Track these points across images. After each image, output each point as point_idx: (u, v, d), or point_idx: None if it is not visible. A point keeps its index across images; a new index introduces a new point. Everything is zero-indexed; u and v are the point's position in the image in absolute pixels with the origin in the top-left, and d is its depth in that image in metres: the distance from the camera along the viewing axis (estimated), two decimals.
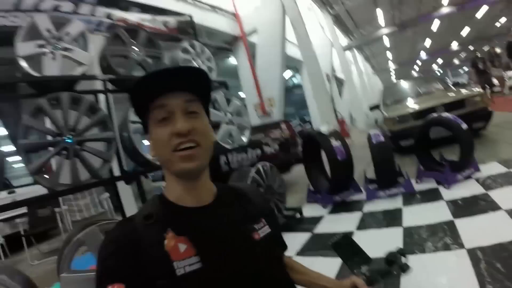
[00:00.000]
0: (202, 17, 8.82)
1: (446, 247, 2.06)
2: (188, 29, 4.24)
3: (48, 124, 2.27)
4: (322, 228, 3.15)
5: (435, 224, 2.45)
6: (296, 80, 23.33)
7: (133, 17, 3.77)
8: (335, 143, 3.76)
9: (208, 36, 9.06)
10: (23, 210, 5.42)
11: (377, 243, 2.39)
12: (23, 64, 2.35)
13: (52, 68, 2.42)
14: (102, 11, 3.56)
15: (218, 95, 3.35)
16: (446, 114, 3.68)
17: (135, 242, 0.78)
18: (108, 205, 5.34)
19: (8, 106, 2.32)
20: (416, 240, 2.27)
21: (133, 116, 2.62)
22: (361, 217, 3.09)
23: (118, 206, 2.77)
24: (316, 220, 3.38)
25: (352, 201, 3.79)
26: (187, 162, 0.82)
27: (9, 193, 5.95)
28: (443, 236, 2.21)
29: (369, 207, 3.33)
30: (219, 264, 0.78)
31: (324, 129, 4.00)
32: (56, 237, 6.13)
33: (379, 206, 3.25)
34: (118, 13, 3.65)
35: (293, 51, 13.09)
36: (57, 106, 2.24)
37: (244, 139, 3.42)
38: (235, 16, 11.13)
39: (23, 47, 2.38)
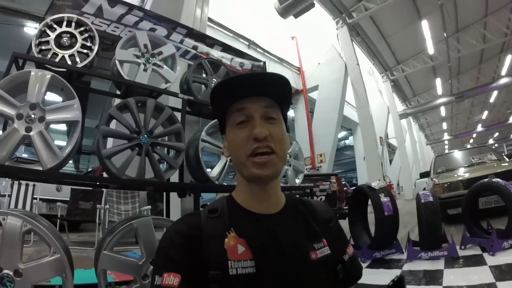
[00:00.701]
0: (269, 67, 9.51)
1: None
2: None
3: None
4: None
5: (476, 285, 2.43)
6: (348, 142, 23.35)
7: (215, 53, 4.26)
8: (383, 198, 3.86)
9: None
10: (65, 197, 5.77)
11: None
12: (119, 67, 2.73)
13: (142, 77, 2.81)
14: (190, 42, 4.08)
15: None
16: (496, 180, 3.64)
17: (198, 236, 0.81)
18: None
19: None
20: None
21: (205, 136, 2.86)
22: (400, 274, 3.08)
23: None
24: None
25: (391, 259, 3.77)
26: (261, 169, 0.83)
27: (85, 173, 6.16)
28: None
29: (409, 266, 3.32)
30: (272, 274, 0.78)
31: (375, 184, 4.11)
32: (89, 232, 6.32)
33: (419, 266, 3.24)
34: (203, 47, 4.16)
35: (350, 112, 13.39)
36: (141, 109, 2.50)
37: (297, 181, 3.62)
38: (299, 70, 11.78)
39: (122, 53, 2.80)
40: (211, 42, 4.37)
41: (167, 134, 2.65)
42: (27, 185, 5.30)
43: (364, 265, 3.66)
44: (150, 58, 2.91)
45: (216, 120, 2.76)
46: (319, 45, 12.79)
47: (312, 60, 12.16)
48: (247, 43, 9.90)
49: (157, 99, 2.92)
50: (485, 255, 3.19)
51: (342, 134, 22.19)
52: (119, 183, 2.47)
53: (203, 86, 3.42)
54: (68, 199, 5.83)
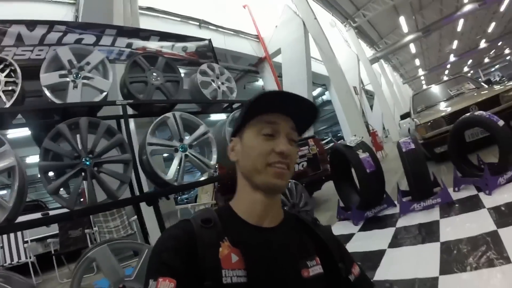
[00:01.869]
0: (226, 42, 9.03)
1: (490, 263, 1.80)
2: (207, 53, 4.30)
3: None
4: (351, 247, 2.88)
5: (476, 236, 2.18)
6: (325, 97, 23.17)
7: (153, 45, 3.87)
8: (362, 155, 3.60)
9: (234, 60, 9.22)
10: (55, 231, 5.63)
11: (412, 263, 2.22)
12: (48, 93, 2.51)
13: (74, 96, 2.58)
14: (123, 41, 3.69)
15: None
16: (479, 112, 3.35)
17: (193, 242, 0.80)
18: (137, 227, 5.40)
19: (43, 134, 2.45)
20: (456, 257, 2.02)
21: (151, 139, 2.66)
22: (394, 233, 2.85)
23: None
24: (346, 238, 3.16)
25: (384, 215, 3.53)
26: (278, 179, 0.86)
27: (43, 215, 6.15)
28: (486, 250, 1.95)
29: (403, 222, 3.06)
30: (263, 286, 0.79)
31: (351, 140, 3.86)
32: None
33: (414, 220, 2.98)
34: (138, 42, 3.78)
35: (320, 68, 13.05)
36: (77, 130, 2.36)
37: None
38: (258, 38, 11.30)
39: (47, 78, 2.54)
40: (146, 35, 3.98)
41: (109, 149, 2.49)
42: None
43: (356, 228, 3.42)
44: (79, 73, 2.66)
45: (161, 117, 2.80)
46: (273, 7, 12.23)
47: (270, 25, 11.66)
48: (198, 23, 9.31)
49: (101, 113, 2.79)
50: (481, 195, 2.94)
51: (317, 91, 21.83)
52: (72, 216, 2.30)
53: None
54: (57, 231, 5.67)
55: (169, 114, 2.78)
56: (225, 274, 0.77)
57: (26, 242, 5.48)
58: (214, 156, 2.91)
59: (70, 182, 2.28)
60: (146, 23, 6.73)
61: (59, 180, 2.24)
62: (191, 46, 4.18)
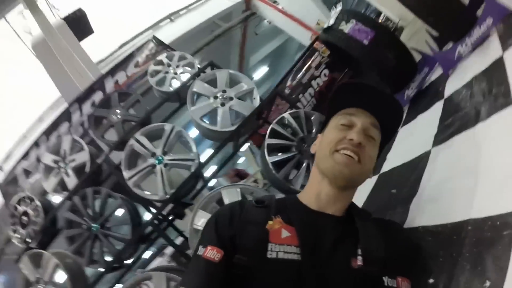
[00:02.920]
0: (204, 13, 8.44)
1: None
2: (158, 51, 4.07)
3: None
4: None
5: None
6: None
7: (108, 86, 3.83)
8: (347, 27, 2.83)
9: (226, 20, 8.62)
10: None
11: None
12: None
13: None
14: (86, 107, 3.79)
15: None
16: None
17: (235, 216, 0.84)
18: None
19: None
20: None
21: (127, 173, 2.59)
22: (442, 112, 1.79)
23: None
24: None
25: (429, 85, 2.43)
26: (343, 166, 0.84)
27: None
28: None
29: (452, 85, 1.90)
30: (313, 266, 0.75)
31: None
32: None
33: (467, 74, 1.78)
34: (97, 94, 3.81)
35: None
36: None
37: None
38: None
39: None
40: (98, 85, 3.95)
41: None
42: None
43: None
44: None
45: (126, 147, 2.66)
46: None
47: None
48: (168, 19, 8.72)
49: None
50: None
51: None
52: None
53: None
54: None
55: (131, 141, 2.65)
56: (271, 248, 0.75)
57: None
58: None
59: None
60: None
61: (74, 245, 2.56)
62: (142, 56, 4.01)
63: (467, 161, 1.13)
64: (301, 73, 4.36)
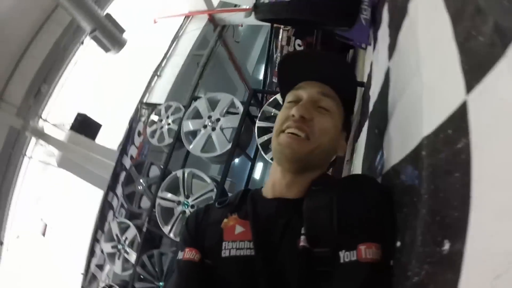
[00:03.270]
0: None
1: None
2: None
3: None
4: None
5: None
6: None
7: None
8: None
9: (202, 47, 8.67)
10: None
11: None
12: None
13: None
14: None
15: None
16: None
17: (200, 220, 0.84)
18: None
19: None
20: None
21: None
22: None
23: None
24: None
25: None
26: (285, 146, 0.77)
27: None
28: None
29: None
30: (265, 258, 0.70)
31: None
32: None
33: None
34: None
35: None
36: None
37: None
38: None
39: None
40: None
41: None
42: None
43: None
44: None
45: None
46: None
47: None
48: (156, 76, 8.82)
49: None
50: None
51: None
52: None
53: None
54: None
55: (157, 200, 2.91)
56: (224, 247, 0.74)
57: None
58: None
59: None
60: None
61: None
62: (140, 124, 4.26)
63: (411, 61, 0.83)
64: (278, 57, 4.38)
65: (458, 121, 0.49)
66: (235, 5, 8.34)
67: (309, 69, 0.84)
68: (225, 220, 0.78)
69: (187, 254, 0.77)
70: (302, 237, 0.68)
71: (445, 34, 0.58)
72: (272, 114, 2.58)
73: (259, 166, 11.39)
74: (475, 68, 0.47)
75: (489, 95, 0.43)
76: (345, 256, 0.61)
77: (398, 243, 0.60)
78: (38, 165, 6.74)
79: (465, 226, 0.41)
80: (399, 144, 0.77)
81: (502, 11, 0.41)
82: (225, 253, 0.73)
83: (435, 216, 0.50)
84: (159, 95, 7.41)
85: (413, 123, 0.69)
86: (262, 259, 0.69)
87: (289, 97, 0.84)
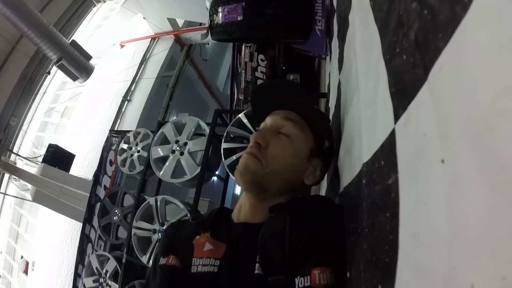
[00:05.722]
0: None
1: None
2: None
3: None
4: None
5: None
6: None
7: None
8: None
9: (170, 68, 8.70)
10: None
11: None
12: None
13: None
14: None
15: None
16: None
17: (175, 234, 0.88)
18: None
19: None
20: None
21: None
22: None
23: None
24: None
25: None
26: (237, 172, 0.83)
27: None
28: None
29: None
30: (227, 278, 0.73)
31: None
32: None
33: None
34: None
35: None
36: None
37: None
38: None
39: None
40: None
41: None
42: None
43: None
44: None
45: None
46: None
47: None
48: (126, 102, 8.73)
49: None
50: None
51: None
52: None
53: None
54: None
55: (133, 231, 2.90)
56: (193, 263, 0.77)
57: None
58: None
59: None
60: None
61: None
62: (110, 153, 4.30)
63: (352, 77, 0.86)
64: (242, 74, 4.47)
65: (388, 153, 0.46)
66: (200, 24, 8.43)
67: (275, 99, 0.88)
68: (197, 237, 0.81)
69: (172, 260, 0.79)
70: (257, 265, 0.70)
71: (375, 49, 0.57)
72: (238, 135, 2.64)
73: None
74: (400, 93, 0.43)
75: (413, 128, 0.38)
76: (299, 282, 0.62)
77: (348, 274, 0.62)
78: (13, 201, 6.58)
79: (393, 278, 0.38)
80: (348, 164, 0.78)
81: (423, 23, 0.36)
82: (193, 269, 0.76)
83: (372, 255, 0.48)
84: (131, 121, 7.38)
85: (357, 144, 0.69)
86: (223, 277, 0.73)
87: (259, 124, 0.90)
